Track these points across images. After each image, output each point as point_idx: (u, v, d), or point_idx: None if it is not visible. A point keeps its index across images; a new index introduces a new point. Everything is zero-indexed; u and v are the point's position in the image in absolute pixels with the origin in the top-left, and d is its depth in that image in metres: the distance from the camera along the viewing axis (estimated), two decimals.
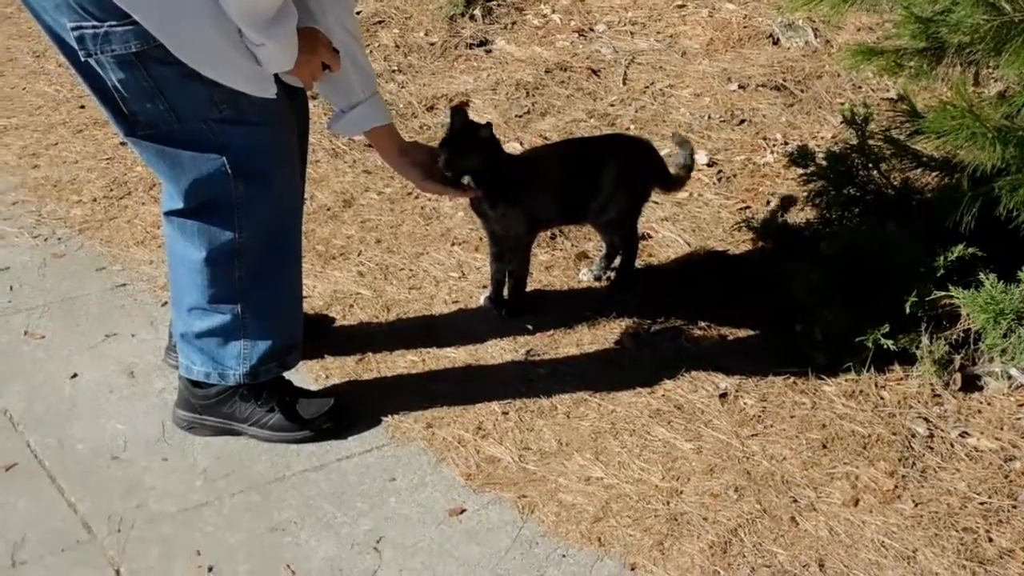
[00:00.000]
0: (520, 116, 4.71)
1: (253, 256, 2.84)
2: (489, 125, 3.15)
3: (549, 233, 3.91)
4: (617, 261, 3.71)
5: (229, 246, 2.80)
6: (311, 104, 3.16)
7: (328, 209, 4.20)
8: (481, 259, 3.82)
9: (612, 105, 4.77)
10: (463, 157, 3.11)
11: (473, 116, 3.86)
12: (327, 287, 3.74)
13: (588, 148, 3.59)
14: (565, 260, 3.85)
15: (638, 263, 3.76)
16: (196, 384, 3.04)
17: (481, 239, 3.81)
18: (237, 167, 2.69)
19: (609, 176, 3.45)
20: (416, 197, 4.20)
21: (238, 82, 2.58)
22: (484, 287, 3.68)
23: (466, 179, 3.11)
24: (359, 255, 3.94)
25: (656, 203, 4.06)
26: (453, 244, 3.97)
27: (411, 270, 3.83)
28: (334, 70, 2.68)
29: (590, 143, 3.78)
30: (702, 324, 3.46)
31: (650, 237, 3.96)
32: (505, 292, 3.57)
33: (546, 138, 4.54)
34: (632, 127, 4.58)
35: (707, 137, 4.46)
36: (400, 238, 4.02)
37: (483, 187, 3.17)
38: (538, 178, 3.37)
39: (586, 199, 3.47)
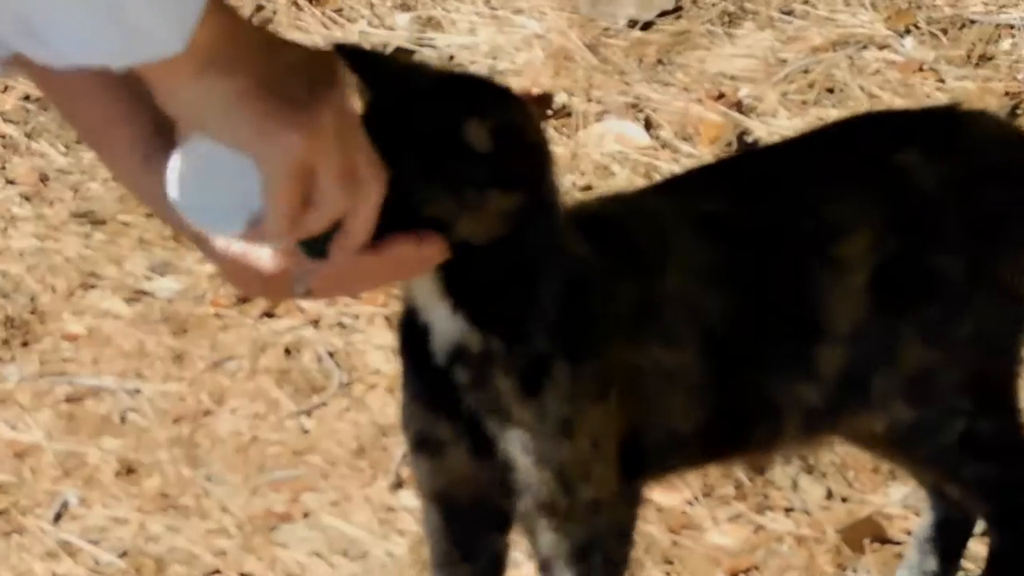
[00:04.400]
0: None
1: None
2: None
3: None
4: (977, 543, 1.81)
5: None
6: None
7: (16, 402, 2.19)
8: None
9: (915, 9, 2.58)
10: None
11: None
12: None
13: (834, 173, 1.49)
14: (801, 542, 1.86)
15: None
16: None
17: None
18: None
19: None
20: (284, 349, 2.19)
21: None
22: None
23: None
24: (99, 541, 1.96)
25: None
26: (398, 485, 2.06)
27: None
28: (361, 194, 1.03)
29: (842, 148, 1.55)
30: None
31: None
32: None
33: (688, 136, 2.48)
34: (972, 93, 2.45)
35: None
36: (231, 465, 2.06)
37: (471, 312, 1.30)
38: (667, 296, 1.42)
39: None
